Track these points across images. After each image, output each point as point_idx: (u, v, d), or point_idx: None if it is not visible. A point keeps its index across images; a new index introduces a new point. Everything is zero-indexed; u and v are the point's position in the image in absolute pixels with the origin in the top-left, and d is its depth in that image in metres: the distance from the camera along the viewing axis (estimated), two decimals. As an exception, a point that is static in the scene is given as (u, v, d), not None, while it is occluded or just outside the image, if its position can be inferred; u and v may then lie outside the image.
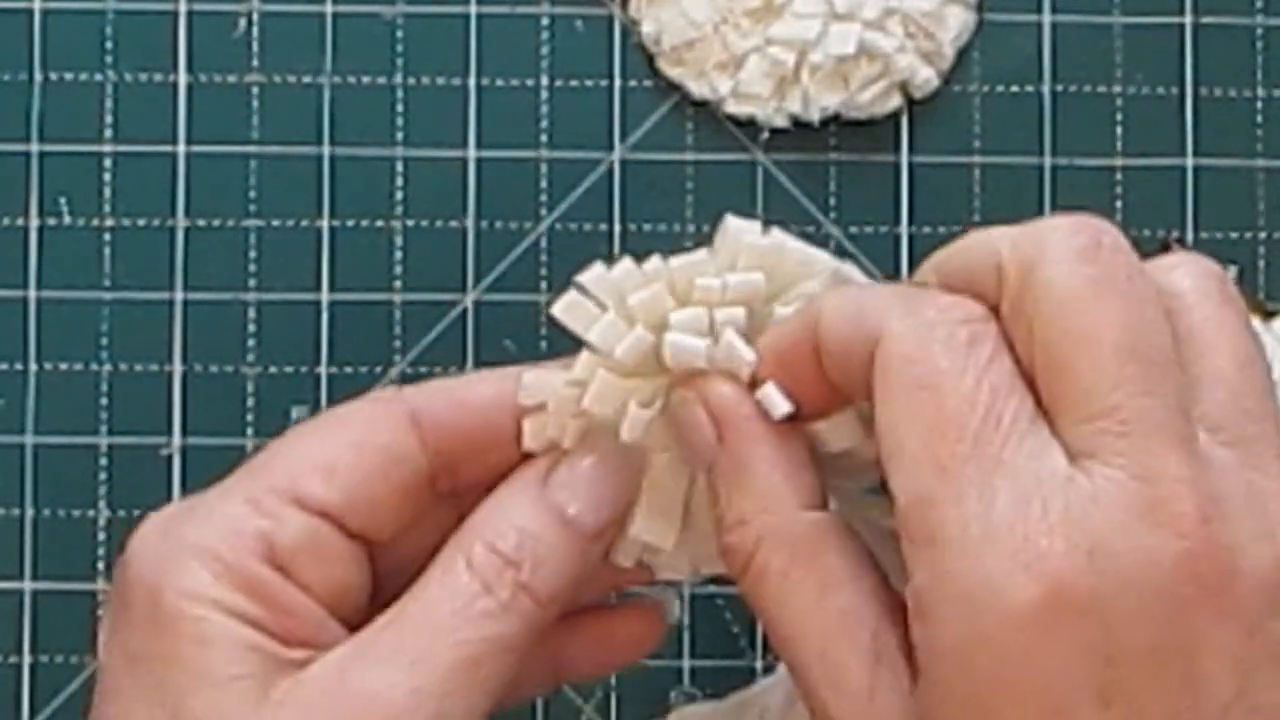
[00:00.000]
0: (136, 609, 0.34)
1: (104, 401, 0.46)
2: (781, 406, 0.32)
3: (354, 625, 0.35)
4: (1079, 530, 0.28)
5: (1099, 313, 0.30)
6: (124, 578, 0.34)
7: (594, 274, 0.34)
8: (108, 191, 0.46)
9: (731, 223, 0.35)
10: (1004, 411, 0.29)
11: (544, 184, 0.47)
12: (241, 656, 0.33)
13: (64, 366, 0.46)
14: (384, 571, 0.36)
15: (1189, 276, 0.32)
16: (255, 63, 0.47)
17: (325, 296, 0.46)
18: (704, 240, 0.46)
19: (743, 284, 0.34)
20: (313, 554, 0.34)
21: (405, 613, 0.34)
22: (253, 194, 0.46)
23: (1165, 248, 0.45)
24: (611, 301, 0.34)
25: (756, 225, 0.35)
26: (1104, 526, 0.28)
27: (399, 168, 0.47)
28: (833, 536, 0.32)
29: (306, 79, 0.47)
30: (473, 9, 0.47)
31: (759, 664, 0.46)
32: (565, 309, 0.34)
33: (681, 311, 0.34)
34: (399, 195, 0.47)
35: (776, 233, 0.35)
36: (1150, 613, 0.28)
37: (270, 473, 0.35)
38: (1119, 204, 0.47)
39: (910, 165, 0.47)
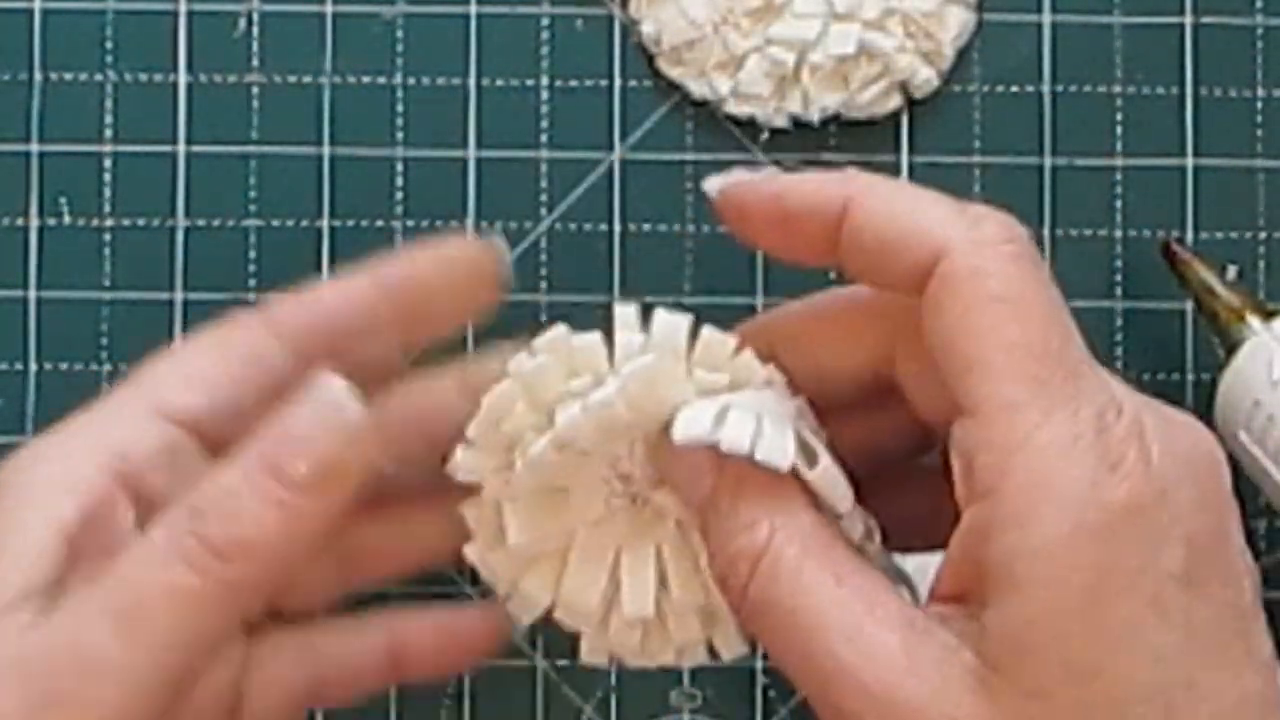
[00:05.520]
0: None
1: (104, 401, 0.46)
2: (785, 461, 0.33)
3: None
4: (1143, 435, 0.31)
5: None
6: None
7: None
8: (108, 191, 0.46)
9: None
10: (1072, 329, 0.32)
11: (544, 184, 0.47)
12: (28, 568, 0.33)
13: (64, 366, 0.46)
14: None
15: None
16: (255, 63, 0.47)
17: (325, 296, 0.46)
18: (703, 240, 0.46)
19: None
20: (165, 464, 0.35)
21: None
22: (253, 194, 0.46)
23: (1165, 248, 0.45)
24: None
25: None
26: (1158, 433, 0.31)
27: (399, 168, 0.47)
28: (837, 531, 0.33)
29: (306, 79, 0.47)
30: (473, 9, 0.47)
31: (759, 664, 0.46)
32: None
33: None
34: (399, 195, 0.47)
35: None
36: (1204, 502, 0.31)
37: (136, 386, 0.36)
38: (1119, 204, 0.47)
39: (910, 165, 0.47)
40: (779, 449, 0.32)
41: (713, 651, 0.36)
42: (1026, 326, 0.31)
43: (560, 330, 0.35)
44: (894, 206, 0.33)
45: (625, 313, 0.35)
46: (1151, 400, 0.32)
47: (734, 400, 0.33)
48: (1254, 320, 0.44)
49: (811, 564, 0.32)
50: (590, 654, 0.36)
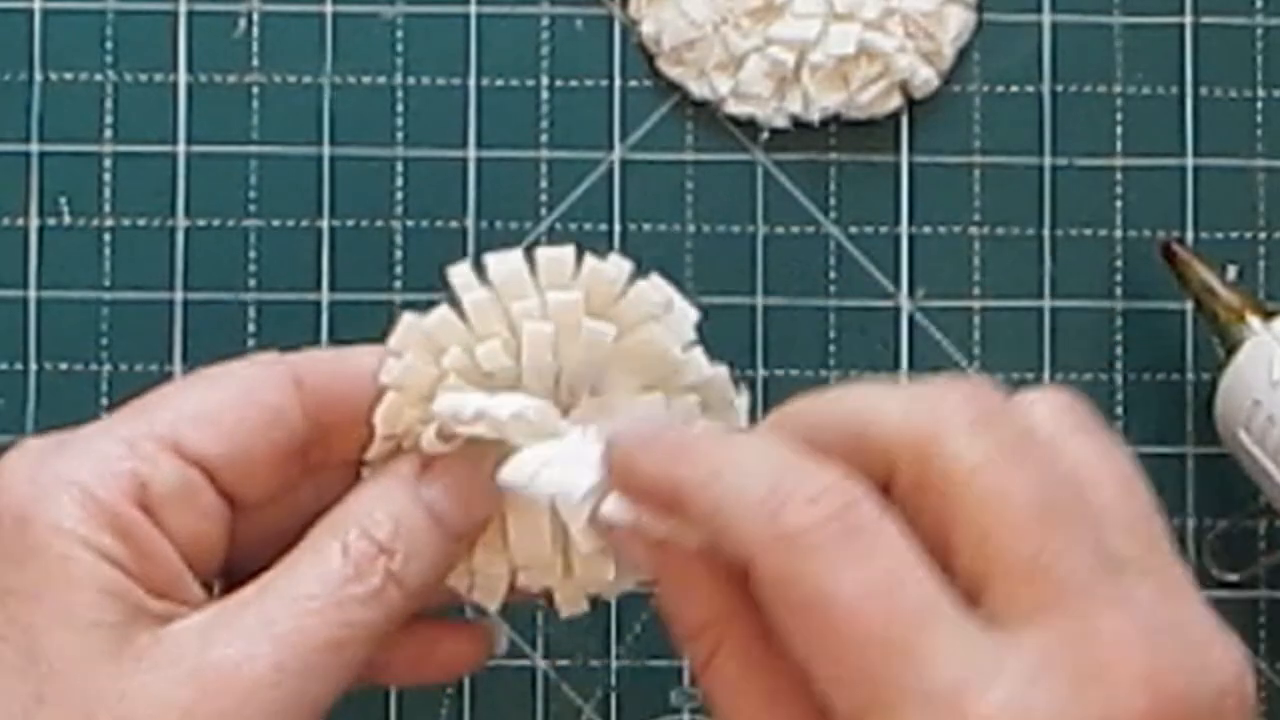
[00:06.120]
0: (1, 539, 0.34)
1: (104, 401, 0.46)
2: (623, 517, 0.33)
3: (205, 586, 0.35)
4: (1024, 711, 0.27)
5: (1009, 477, 0.29)
6: None
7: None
8: (108, 191, 0.46)
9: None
10: (905, 598, 0.28)
11: (544, 184, 0.47)
12: (104, 601, 0.33)
13: (64, 366, 0.46)
14: (240, 541, 0.36)
15: (1049, 417, 0.31)
16: (255, 63, 0.47)
17: (325, 296, 0.46)
18: (703, 240, 0.46)
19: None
20: (182, 503, 0.34)
21: (273, 587, 0.34)
22: (253, 194, 0.46)
23: (1165, 248, 0.45)
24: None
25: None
26: (1051, 705, 0.27)
27: (399, 168, 0.47)
28: (772, 641, 0.31)
29: (306, 79, 0.47)
30: (473, 9, 0.47)
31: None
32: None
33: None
34: (399, 195, 0.47)
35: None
36: None
37: (150, 417, 0.35)
38: (1119, 204, 0.47)
39: (910, 165, 0.47)
40: (569, 486, 0.33)
41: None
42: (845, 628, 0.28)
43: (408, 318, 0.35)
44: (707, 503, 0.30)
45: (460, 272, 0.35)
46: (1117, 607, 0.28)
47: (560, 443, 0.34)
48: (1254, 320, 0.44)
49: (749, 685, 0.31)
50: (567, 604, 0.36)
